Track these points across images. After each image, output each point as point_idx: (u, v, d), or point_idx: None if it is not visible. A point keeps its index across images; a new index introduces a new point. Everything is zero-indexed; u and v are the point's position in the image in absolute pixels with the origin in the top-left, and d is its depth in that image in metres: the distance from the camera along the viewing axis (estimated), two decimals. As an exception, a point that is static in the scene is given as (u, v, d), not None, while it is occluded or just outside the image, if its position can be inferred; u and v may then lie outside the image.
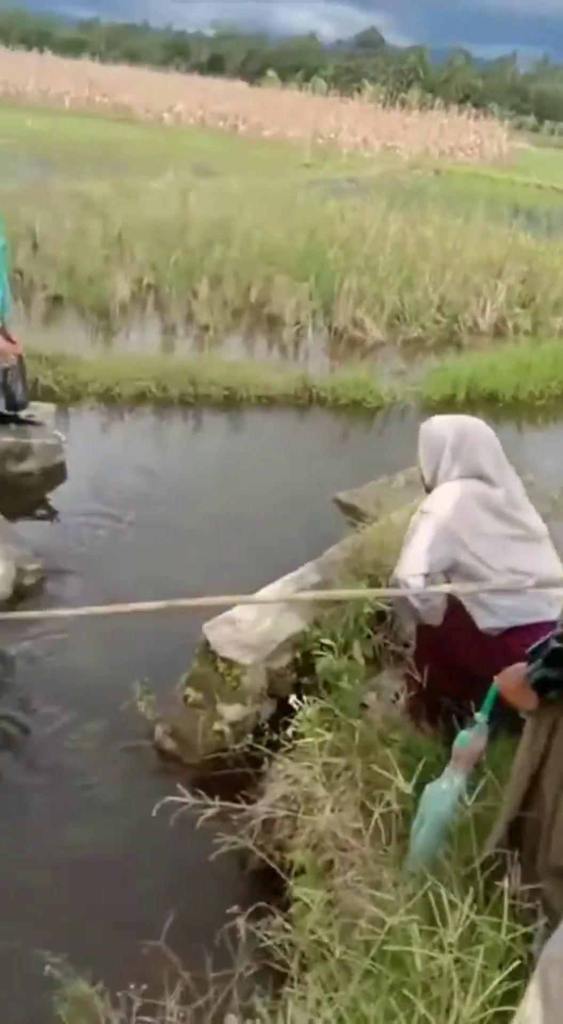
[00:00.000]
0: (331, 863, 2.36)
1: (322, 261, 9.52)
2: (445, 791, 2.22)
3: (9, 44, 43.75)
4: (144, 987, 1.87)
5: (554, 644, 1.86)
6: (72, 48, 52.64)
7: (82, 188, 12.01)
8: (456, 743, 2.24)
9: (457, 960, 1.58)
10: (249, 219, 10.57)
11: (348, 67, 71.58)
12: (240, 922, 1.97)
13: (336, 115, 31.20)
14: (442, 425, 2.80)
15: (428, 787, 2.24)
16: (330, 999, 1.67)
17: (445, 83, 67.39)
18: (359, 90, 43.86)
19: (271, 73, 47.32)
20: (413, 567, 2.54)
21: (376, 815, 2.34)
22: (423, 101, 44.99)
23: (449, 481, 2.67)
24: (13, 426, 4.77)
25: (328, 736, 2.60)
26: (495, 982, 1.50)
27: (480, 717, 2.21)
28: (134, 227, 9.77)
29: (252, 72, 57.49)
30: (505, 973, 1.53)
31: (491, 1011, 1.52)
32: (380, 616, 3.41)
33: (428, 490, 2.78)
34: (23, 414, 4.94)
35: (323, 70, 64.53)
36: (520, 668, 1.96)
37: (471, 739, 2.22)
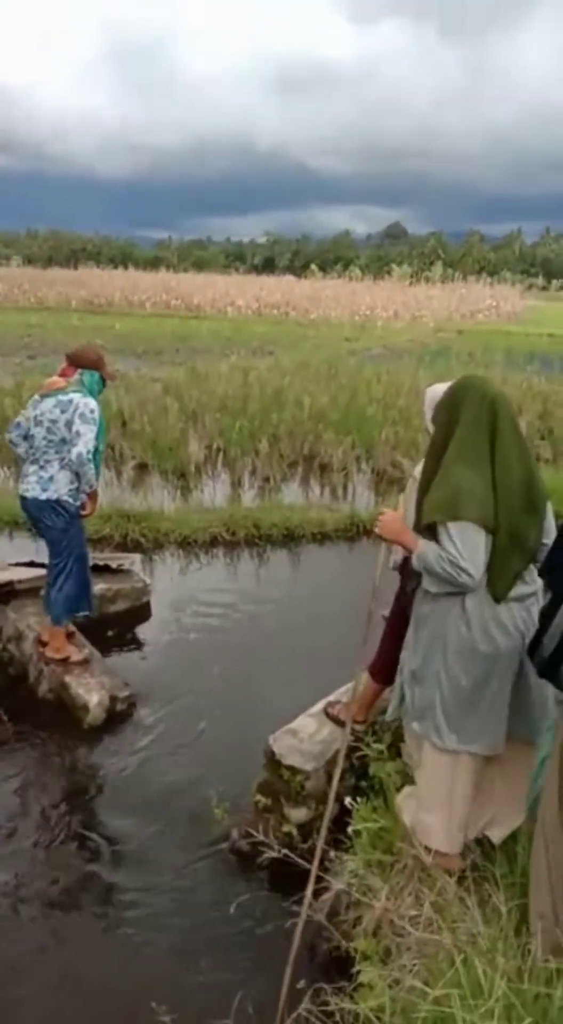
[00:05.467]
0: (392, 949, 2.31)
1: (362, 417, 9.92)
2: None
3: (99, 264, 48.05)
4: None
5: None
6: (151, 264, 57.28)
7: (161, 374, 12.91)
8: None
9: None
10: (299, 388, 11.13)
11: (379, 255, 75.90)
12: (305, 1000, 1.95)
13: (370, 296, 32.92)
14: None
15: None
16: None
17: (462, 259, 70.68)
18: (389, 273, 46.43)
19: (314, 267, 50.51)
20: None
21: (426, 904, 2.32)
22: (445, 276, 47.24)
23: None
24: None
25: (376, 826, 2.59)
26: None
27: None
28: (205, 402, 10.38)
29: (298, 267, 61.47)
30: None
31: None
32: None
33: None
34: (114, 564, 5.22)
35: (357, 260, 68.59)
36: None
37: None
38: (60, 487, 3.93)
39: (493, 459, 2.21)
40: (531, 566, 2.31)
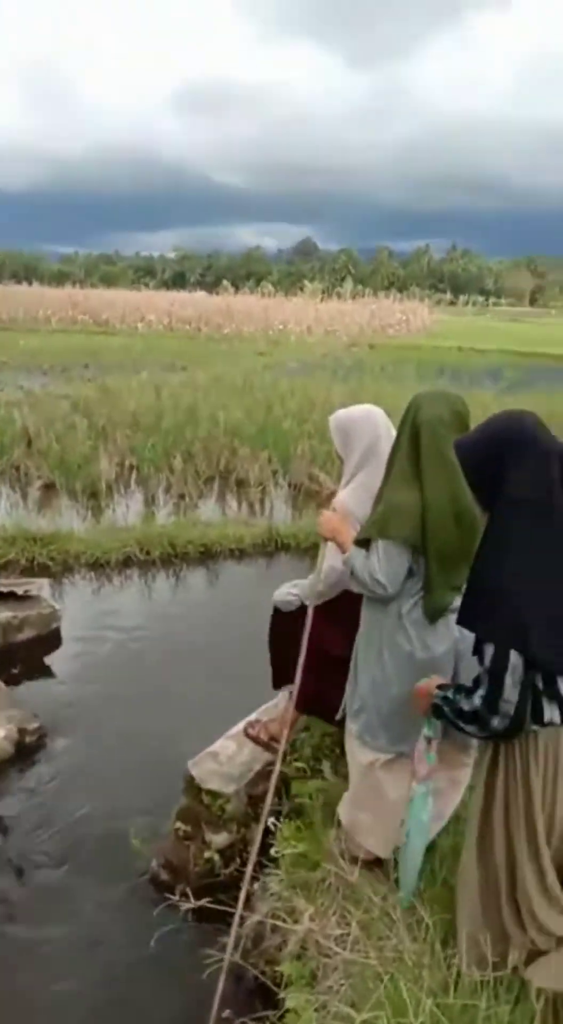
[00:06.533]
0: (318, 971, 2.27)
1: (278, 431, 9.95)
2: (417, 803, 2.25)
3: (2, 280, 46.77)
4: None
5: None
6: (57, 278, 56.19)
7: (70, 391, 12.61)
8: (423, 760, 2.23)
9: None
10: (214, 403, 11.08)
11: (290, 271, 77.18)
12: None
13: (283, 311, 33.27)
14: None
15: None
16: None
17: (373, 274, 72.71)
18: (301, 288, 47.10)
19: (225, 282, 50.69)
20: None
21: (353, 923, 2.30)
22: (355, 291, 48.32)
23: None
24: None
25: (298, 848, 2.56)
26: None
27: (427, 731, 2.21)
28: (116, 419, 10.14)
29: (209, 283, 61.63)
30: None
31: None
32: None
33: None
34: (20, 591, 5.03)
35: (269, 276, 69.39)
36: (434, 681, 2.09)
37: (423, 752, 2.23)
38: None
39: (421, 481, 2.29)
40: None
